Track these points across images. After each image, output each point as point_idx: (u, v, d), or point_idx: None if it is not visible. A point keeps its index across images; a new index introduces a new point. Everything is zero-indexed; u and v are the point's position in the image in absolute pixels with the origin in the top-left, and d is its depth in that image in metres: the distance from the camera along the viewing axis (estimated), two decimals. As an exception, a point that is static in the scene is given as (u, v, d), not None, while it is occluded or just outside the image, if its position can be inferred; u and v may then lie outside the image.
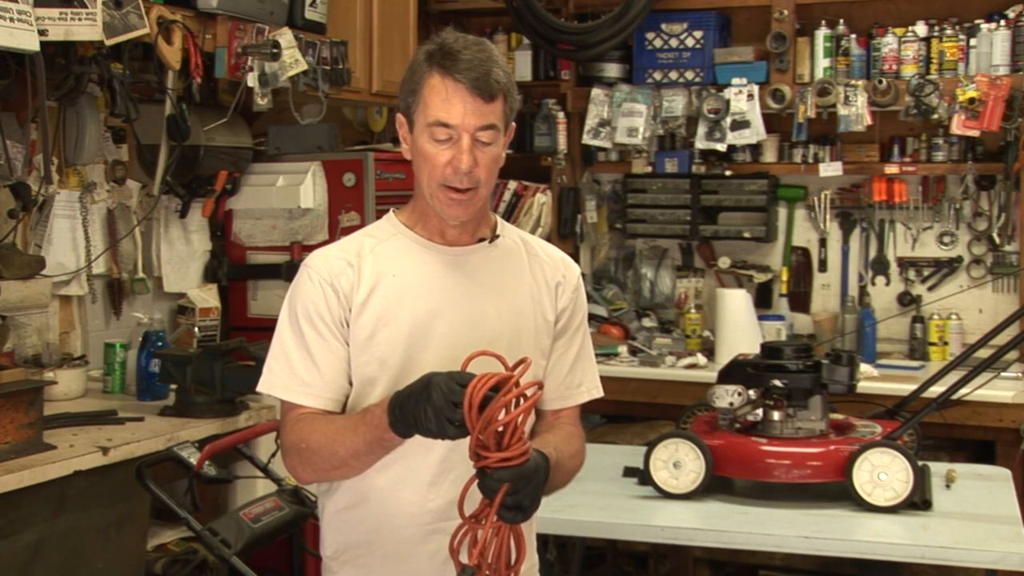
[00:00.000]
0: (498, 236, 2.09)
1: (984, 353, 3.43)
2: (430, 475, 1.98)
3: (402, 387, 1.85)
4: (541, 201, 5.26)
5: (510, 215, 5.25)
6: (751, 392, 3.20)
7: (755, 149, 5.08)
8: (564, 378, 2.13)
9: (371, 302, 1.98)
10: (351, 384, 2.01)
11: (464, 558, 1.80)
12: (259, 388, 2.04)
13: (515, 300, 2.06)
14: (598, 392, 2.18)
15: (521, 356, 1.82)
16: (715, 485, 3.15)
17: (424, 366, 1.97)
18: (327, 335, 1.98)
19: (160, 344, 3.67)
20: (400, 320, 1.99)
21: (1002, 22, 4.58)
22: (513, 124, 2.02)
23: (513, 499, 1.76)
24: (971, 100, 4.50)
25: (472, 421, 1.73)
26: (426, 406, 1.76)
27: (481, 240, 2.07)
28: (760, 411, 3.21)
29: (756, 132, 4.88)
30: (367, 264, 2.00)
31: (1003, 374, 4.17)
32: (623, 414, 4.86)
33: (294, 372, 1.99)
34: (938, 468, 3.40)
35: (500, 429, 1.74)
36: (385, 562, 2.03)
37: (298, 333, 1.99)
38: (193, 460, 2.87)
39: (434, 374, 1.78)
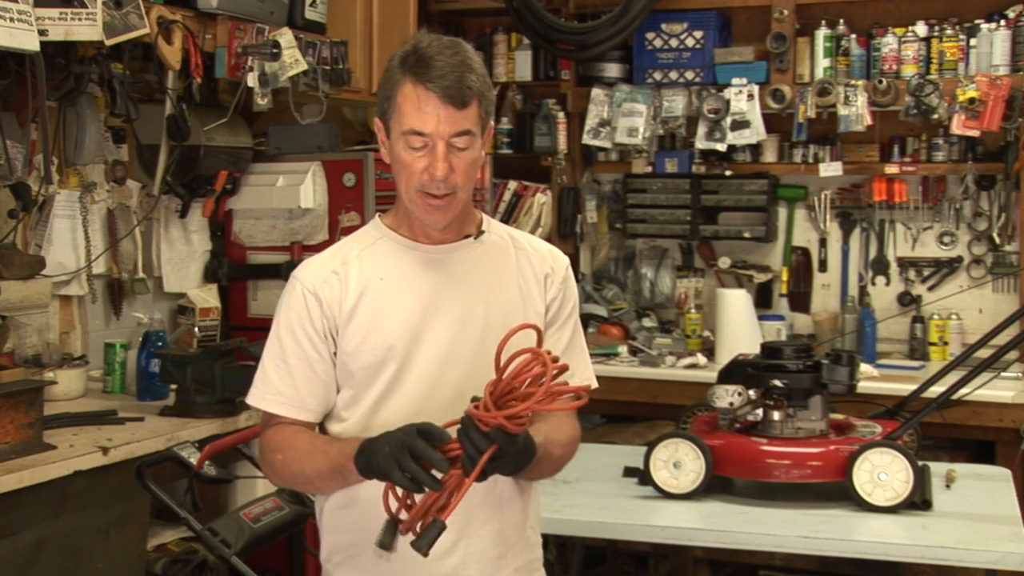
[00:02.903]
0: (483, 232, 2.10)
1: (984, 353, 3.42)
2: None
3: (396, 389, 1.85)
4: (541, 201, 5.26)
5: (510, 215, 5.25)
6: (751, 392, 3.19)
7: (755, 149, 5.08)
8: None
9: (360, 307, 2.01)
10: (338, 392, 2.04)
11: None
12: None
13: (504, 294, 2.07)
14: (592, 381, 2.15)
15: (514, 349, 1.81)
16: (715, 485, 3.15)
17: (418, 365, 2.00)
18: (306, 346, 2.01)
19: (160, 344, 3.67)
20: (391, 322, 2.00)
21: (1002, 22, 4.57)
22: (491, 124, 2.03)
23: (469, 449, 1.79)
24: (971, 100, 4.49)
25: (499, 372, 1.77)
26: (383, 451, 1.82)
27: (467, 237, 2.08)
28: (760, 411, 3.21)
29: (756, 132, 4.88)
30: (354, 270, 2.03)
31: (1003, 374, 4.16)
32: (623, 414, 4.86)
33: (268, 381, 2.04)
34: (938, 468, 3.40)
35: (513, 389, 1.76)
36: (378, 562, 2.03)
37: (278, 343, 2.04)
38: (193, 460, 2.87)
39: (397, 431, 1.83)
